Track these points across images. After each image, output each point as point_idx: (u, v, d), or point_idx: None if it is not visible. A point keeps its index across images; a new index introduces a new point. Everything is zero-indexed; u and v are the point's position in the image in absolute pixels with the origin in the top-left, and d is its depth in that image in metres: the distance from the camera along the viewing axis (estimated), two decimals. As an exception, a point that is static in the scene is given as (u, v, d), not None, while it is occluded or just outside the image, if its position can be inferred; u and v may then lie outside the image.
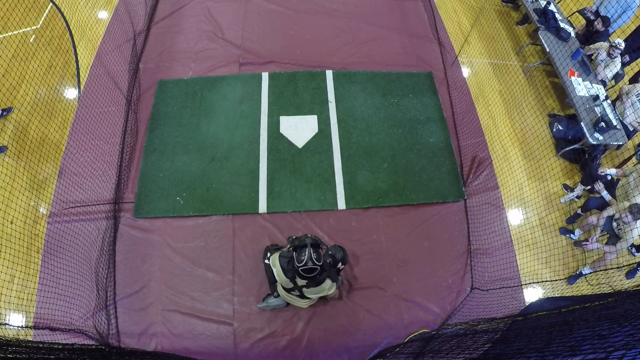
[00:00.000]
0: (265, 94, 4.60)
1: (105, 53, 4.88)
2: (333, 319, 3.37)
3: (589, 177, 4.05)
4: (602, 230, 3.71)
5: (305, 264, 2.52)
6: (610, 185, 3.92)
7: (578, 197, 4.23)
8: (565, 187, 4.33)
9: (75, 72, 4.73)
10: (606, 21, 4.83)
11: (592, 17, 5.08)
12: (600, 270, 3.66)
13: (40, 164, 3.91)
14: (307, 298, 2.97)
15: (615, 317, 1.82)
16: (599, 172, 3.88)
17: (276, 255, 2.83)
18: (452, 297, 3.56)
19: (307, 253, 2.53)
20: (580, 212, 3.99)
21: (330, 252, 2.93)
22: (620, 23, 5.21)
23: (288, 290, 2.91)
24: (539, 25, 5.12)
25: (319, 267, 2.56)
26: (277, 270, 2.80)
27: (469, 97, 4.95)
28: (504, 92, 5.06)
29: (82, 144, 4.10)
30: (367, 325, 3.37)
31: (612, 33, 5.21)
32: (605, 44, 4.78)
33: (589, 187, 4.08)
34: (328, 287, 2.79)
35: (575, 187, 4.23)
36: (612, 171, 3.88)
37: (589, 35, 5.03)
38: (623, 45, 4.48)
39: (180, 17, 5.40)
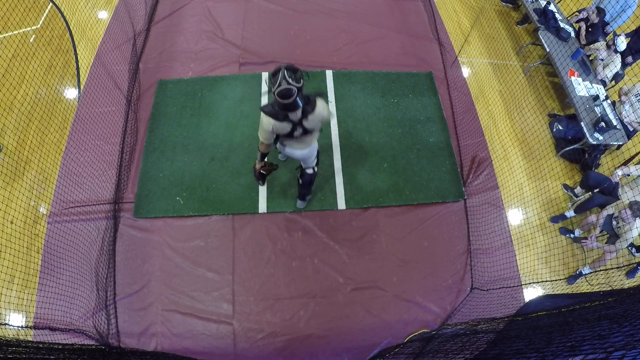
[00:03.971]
0: (265, 94, 4.60)
1: (105, 53, 4.88)
2: (333, 319, 3.37)
3: (587, 186, 4.06)
4: (601, 230, 3.71)
5: (280, 85, 2.25)
6: (612, 188, 3.91)
7: (577, 196, 4.23)
8: (565, 187, 4.33)
9: (75, 72, 4.73)
10: (601, 12, 4.87)
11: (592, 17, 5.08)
12: (600, 270, 3.66)
13: (40, 164, 3.91)
14: (309, 137, 2.75)
15: (615, 317, 1.82)
16: (613, 179, 3.84)
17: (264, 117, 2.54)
18: (452, 297, 3.56)
19: (280, 75, 2.26)
20: (566, 215, 4.01)
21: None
22: (620, 22, 5.22)
23: (291, 135, 2.65)
24: (539, 25, 5.12)
25: (294, 88, 2.28)
26: (268, 122, 2.50)
27: (469, 97, 4.95)
28: (504, 92, 5.06)
29: (82, 144, 4.10)
30: (367, 325, 3.37)
31: (611, 32, 5.21)
32: (603, 44, 4.79)
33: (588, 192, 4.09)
34: (323, 107, 2.58)
35: (575, 188, 4.23)
36: (620, 172, 3.84)
37: (585, 32, 5.05)
38: (623, 39, 4.47)
39: (180, 17, 5.40)
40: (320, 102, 2.55)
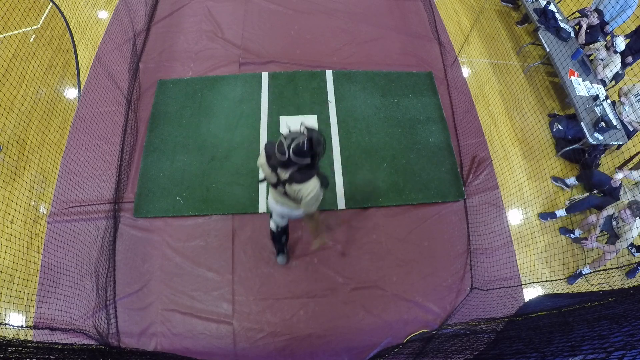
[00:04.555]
0: (265, 94, 4.61)
1: (105, 53, 4.88)
2: (333, 319, 3.37)
3: (589, 184, 4.06)
4: (601, 230, 3.71)
5: (281, 140, 2.09)
6: (613, 189, 3.91)
7: (569, 186, 4.24)
8: (555, 179, 4.33)
9: (76, 72, 4.73)
10: (600, 13, 4.88)
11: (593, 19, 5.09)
12: (600, 270, 3.67)
13: (40, 164, 3.91)
14: (293, 201, 2.50)
15: (615, 317, 1.82)
16: (612, 183, 3.85)
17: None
18: (452, 297, 3.56)
19: (294, 133, 2.09)
20: (556, 213, 4.02)
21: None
22: (620, 22, 5.22)
23: (275, 187, 2.49)
24: (539, 25, 5.12)
25: (286, 156, 2.08)
26: (261, 159, 2.39)
27: (469, 97, 4.95)
28: (504, 92, 5.06)
29: (82, 143, 4.10)
30: (367, 325, 3.37)
31: (611, 32, 5.22)
32: (603, 43, 4.79)
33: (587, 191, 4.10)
34: (310, 190, 2.27)
35: (567, 179, 4.24)
36: (620, 175, 3.85)
37: (585, 33, 5.05)
38: (622, 39, 4.48)
39: (180, 17, 5.40)
40: (311, 183, 2.26)
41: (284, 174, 2.28)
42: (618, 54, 4.63)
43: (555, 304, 2.81)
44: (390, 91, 4.77)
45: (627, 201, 3.50)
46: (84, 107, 4.38)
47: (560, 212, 4.00)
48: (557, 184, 4.32)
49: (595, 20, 4.94)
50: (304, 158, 2.12)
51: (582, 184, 4.23)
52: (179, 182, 3.93)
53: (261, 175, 2.63)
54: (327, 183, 2.43)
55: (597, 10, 4.95)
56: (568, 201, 4.16)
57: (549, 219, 4.06)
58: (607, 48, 4.63)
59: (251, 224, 3.75)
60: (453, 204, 4.03)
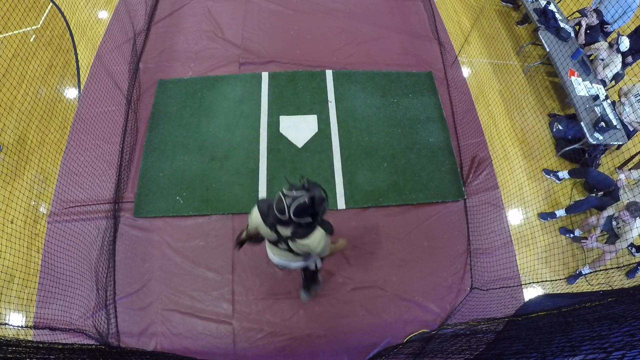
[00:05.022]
0: (265, 94, 4.61)
1: (105, 53, 4.88)
2: (333, 319, 3.37)
3: (586, 183, 4.06)
4: (602, 230, 3.71)
5: (280, 197, 1.95)
6: (612, 191, 3.91)
7: (560, 179, 4.26)
8: (547, 172, 4.34)
9: (76, 72, 4.73)
10: (599, 14, 4.88)
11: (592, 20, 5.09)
12: (600, 270, 3.66)
13: (40, 164, 3.91)
14: (295, 255, 2.38)
15: (615, 317, 1.82)
16: (618, 182, 3.86)
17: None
18: (451, 297, 3.56)
19: (295, 195, 1.92)
20: (556, 213, 4.02)
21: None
22: (621, 23, 5.21)
23: (275, 244, 2.37)
24: (539, 25, 5.12)
25: (286, 216, 1.94)
26: (255, 217, 2.24)
27: (469, 96, 4.95)
28: (504, 92, 5.06)
29: (82, 143, 4.10)
30: (366, 325, 3.37)
31: (612, 32, 5.22)
32: (604, 44, 4.79)
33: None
34: (317, 241, 2.16)
35: (559, 172, 4.27)
36: (622, 175, 3.87)
37: (585, 34, 5.05)
38: (626, 40, 4.48)
39: (180, 17, 5.40)
40: (318, 233, 2.14)
41: (285, 231, 2.15)
42: (619, 53, 4.62)
43: (555, 304, 2.81)
44: (390, 91, 4.77)
45: (627, 202, 3.50)
46: (84, 107, 4.38)
47: (560, 212, 4.00)
48: (549, 176, 4.33)
49: (594, 20, 4.95)
50: (305, 218, 1.99)
51: (575, 179, 4.25)
52: (179, 182, 3.93)
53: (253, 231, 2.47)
54: (332, 230, 2.34)
55: (596, 10, 4.95)
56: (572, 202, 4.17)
57: (548, 219, 4.06)
58: (611, 46, 4.62)
59: (251, 224, 3.75)
60: (453, 204, 4.03)
